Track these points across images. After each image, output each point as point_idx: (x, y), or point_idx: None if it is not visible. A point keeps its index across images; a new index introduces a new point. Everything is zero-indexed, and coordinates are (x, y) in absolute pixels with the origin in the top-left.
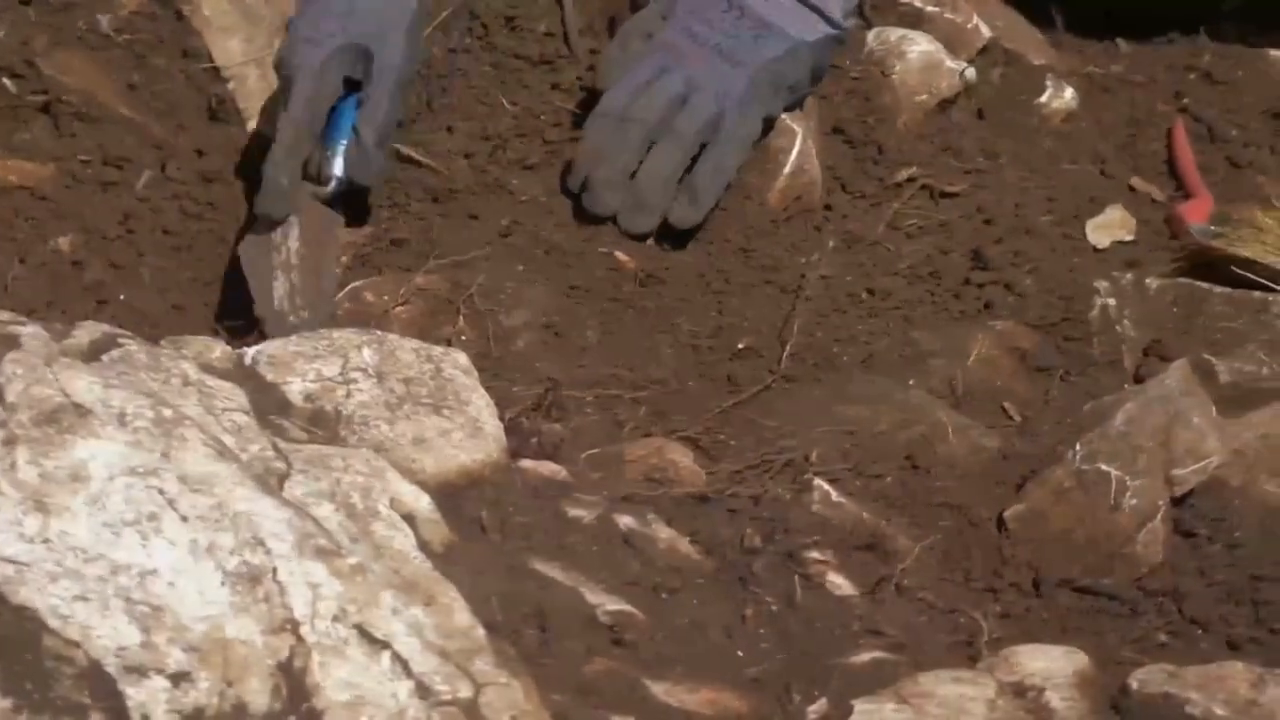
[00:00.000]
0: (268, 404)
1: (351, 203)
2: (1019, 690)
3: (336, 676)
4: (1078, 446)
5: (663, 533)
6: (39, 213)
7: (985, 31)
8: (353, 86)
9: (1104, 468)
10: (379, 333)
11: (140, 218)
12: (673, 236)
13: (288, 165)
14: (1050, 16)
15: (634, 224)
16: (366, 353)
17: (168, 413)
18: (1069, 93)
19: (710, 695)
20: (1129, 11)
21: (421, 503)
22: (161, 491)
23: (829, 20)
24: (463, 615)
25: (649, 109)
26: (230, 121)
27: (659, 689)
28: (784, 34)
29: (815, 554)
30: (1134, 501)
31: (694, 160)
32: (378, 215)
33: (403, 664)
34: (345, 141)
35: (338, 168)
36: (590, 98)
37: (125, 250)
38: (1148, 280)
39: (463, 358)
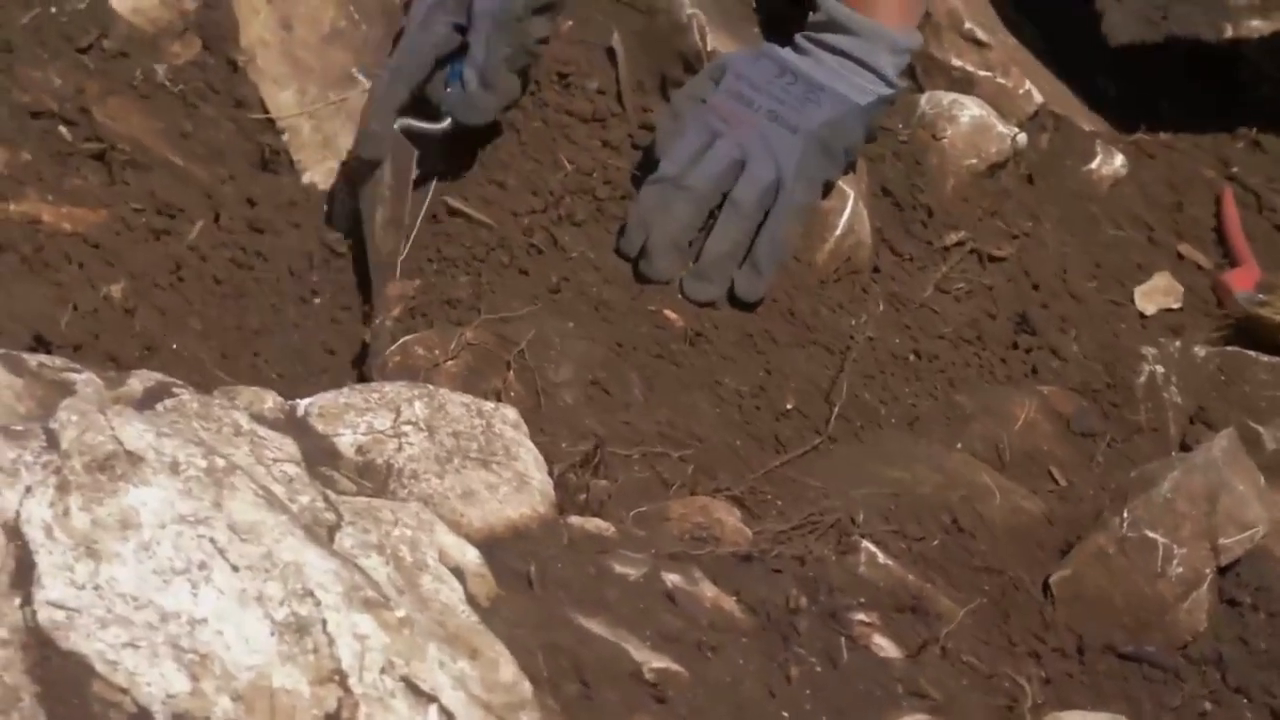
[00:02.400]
0: (318, 455)
1: (470, 139)
2: None
3: None
4: (1124, 513)
5: (708, 591)
6: (90, 259)
7: (1037, 97)
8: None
9: (1150, 534)
10: (430, 387)
11: (190, 266)
12: (736, 302)
13: (384, 112)
14: (1099, 83)
15: (698, 293)
16: (418, 406)
17: (219, 462)
18: (1119, 159)
19: None
20: (1176, 80)
21: (469, 556)
22: (212, 540)
23: (883, 78)
24: (508, 669)
25: (704, 176)
26: (282, 172)
27: None
28: (836, 96)
29: (860, 615)
30: (1179, 569)
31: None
32: (426, 269)
33: (449, 717)
34: (455, 85)
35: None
36: (643, 158)
37: (175, 299)
38: (1195, 348)
39: (512, 413)
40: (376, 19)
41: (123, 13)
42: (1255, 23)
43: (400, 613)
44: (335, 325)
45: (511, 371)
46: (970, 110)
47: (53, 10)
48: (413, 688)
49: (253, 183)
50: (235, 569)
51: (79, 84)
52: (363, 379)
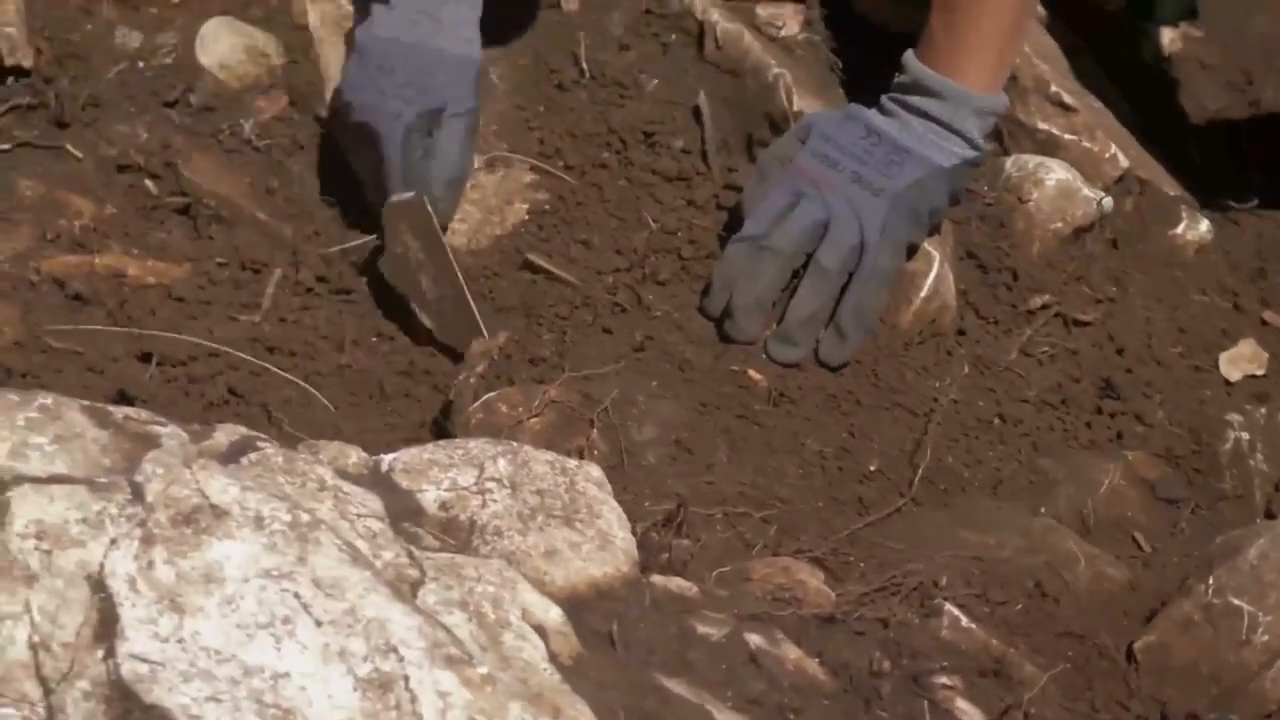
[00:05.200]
0: (402, 511)
1: None
2: None
3: None
4: (1209, 580)
5: (790, 653)
6: (173, 313)
7: (1122, 161)
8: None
9: (1235, 602)
10: (514, 444)
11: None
12: (821, 365)
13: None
14: (1186, 148)
15: (783, 355)
16: (502, 463)
17: (304, 517)
18: (1204, 225)
19: None
20: (1263, 147)
21: (551, 614)
22: (296, 595)
23: (968, 141)
24: None
25: (788, 237)
26: (365, 230)
27: None
28: (921, 159)
29: (942, 679)
30: (1264, 637)
31: (842, 289)
32: (512, 325)
33: None
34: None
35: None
36: (728, 218)
37: (259, 352)
38: None
39: (596, 471)
40: None
41: (210, 68)
42: None
43: (483, 670)
44: (415, 380)
45: (595, 430)
46: (1056, 174)
47: (140, 65)
48: None
49: (336, 240)
50: (319, 624)
51: (165, 138)
52: (444, 435)
